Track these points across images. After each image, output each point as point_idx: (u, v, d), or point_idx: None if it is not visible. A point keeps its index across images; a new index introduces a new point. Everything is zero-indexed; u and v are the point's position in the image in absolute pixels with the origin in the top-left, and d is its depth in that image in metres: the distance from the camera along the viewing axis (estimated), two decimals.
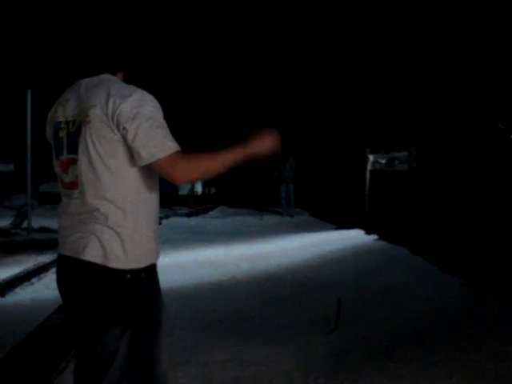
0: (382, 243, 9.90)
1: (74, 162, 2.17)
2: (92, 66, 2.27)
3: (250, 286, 7.05)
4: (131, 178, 2.14)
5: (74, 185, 2.18)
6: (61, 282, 2.30)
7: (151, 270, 2.23)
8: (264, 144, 2.32)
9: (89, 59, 2.29)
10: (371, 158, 12.15)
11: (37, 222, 11.20)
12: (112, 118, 2.05)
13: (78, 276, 2.16)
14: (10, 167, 19.85)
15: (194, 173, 2.14)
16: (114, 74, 2.30)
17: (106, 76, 2.26)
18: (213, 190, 22.50)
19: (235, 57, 27.58)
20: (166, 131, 2.12)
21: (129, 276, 2.12)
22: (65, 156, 2.22)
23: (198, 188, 21.61)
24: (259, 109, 27.06)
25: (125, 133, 2.05)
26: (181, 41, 27.59)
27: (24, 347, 4.30)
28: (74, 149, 2.16)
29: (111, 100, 2.06)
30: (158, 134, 2.07)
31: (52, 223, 9.22)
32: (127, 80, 2.33)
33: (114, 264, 2.10)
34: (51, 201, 13.22)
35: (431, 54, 15.86)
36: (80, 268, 2.13)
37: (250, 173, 22.61)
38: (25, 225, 11.77)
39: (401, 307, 5.87)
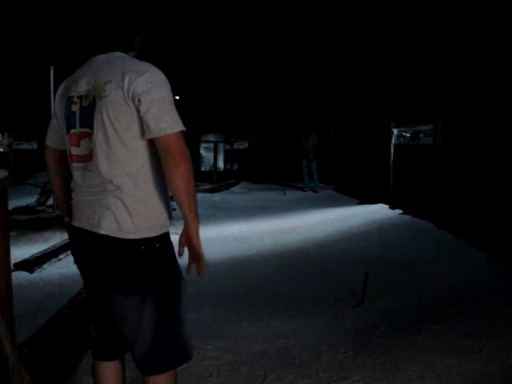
0: (407, 217, 9.84)
1: (87, 135, 2.19)
2: (104, 44, 2.28)
3: (275, 261, 7.07)
4: (144, 150, 2.16)
5: (86, 158, 2.21)
6: (77, 253, 2.36)
7: (165, 238, 2.26)
8: (198, 254, 2.18)
9: (102, 36, 2.30)
10: (395, 131, 12.02)
11: None
12: (128, 92, 2.08)
13: (94, 248, 2.21)
14: (34, 145, 20.02)
15: (188, 165, 2.10)
16: (125, 52, 2.31)
17: (119, 54, 2.28)
18: (235, 166, 22.49)
19: (253, 38, 27.52)
20: (175, 110, 2.15)
21: (143, 247, 2.16)
22: (77, 130, 2.24)
23: (220, 164, 21.63)
24: (281, 85, 26.99)
25: (139, 104, 2.08)
26: (194, 26, 27.56)
27: (58, 321, 4.37)
28: (87, 123, 2.19)
29: (127, 76, 2.10)
30: (170, 111, 2.11)
31: None
32: (140, 58, 2.31)
33: (128, 236, 2.15)
34: None
35: (459, 29, 15.61)
36: (96, 241, 2.18)
37: (272, 148, 22.57)
38: (50, 202, 11.91)
39: (427, 281, 5.86)
